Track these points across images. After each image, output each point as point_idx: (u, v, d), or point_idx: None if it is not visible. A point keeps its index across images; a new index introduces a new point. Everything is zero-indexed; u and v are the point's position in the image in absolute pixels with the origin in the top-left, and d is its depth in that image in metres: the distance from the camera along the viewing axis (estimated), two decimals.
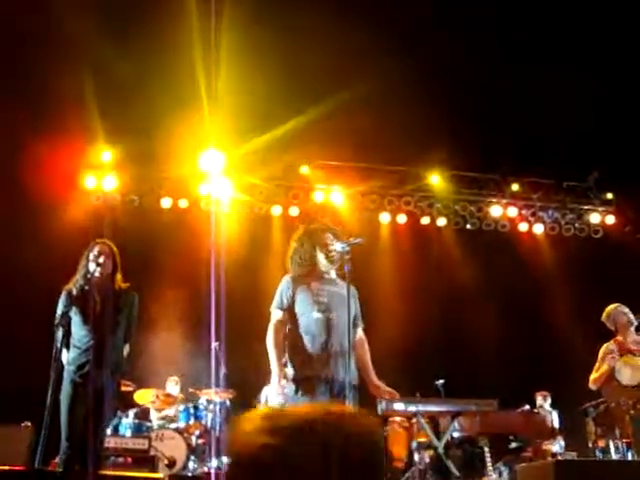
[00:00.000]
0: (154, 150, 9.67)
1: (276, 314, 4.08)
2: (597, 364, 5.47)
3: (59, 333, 4.25)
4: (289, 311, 4.04)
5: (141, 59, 8.37)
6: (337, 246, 3.93)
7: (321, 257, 4.07)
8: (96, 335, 4.32)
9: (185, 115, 8.95)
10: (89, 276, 4.40)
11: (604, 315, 5.51)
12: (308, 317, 3.97)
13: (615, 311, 5.45)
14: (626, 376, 5.14)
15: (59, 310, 4.38)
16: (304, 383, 3.91)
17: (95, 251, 4.52)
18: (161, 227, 9.78)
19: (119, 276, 4.59)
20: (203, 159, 9.86)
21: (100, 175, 9.71)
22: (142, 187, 9.88)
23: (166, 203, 9.92)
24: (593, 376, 5.44)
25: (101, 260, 4.49)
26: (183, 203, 10.03)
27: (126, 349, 4.57)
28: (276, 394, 3.86)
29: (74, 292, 4.36)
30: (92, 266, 4.45)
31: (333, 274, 4.10)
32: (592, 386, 5.49)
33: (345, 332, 3.78)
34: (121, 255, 9.07)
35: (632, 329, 5.35)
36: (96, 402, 4.27)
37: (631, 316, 5.37)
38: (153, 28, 8.13)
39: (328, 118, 8.75)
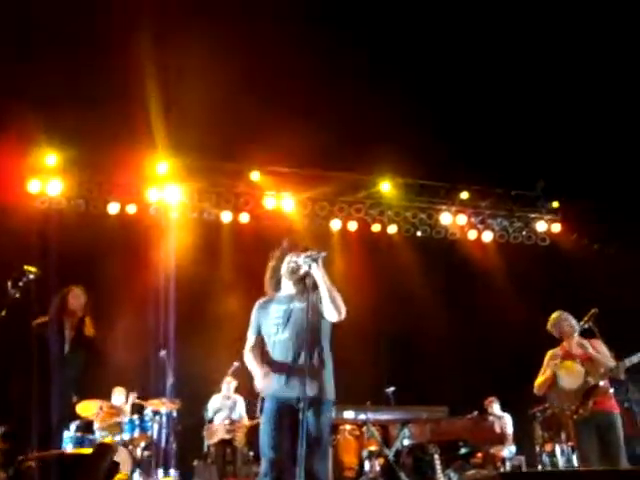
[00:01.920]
0: (101, 154, 9.45)
1: (250, 339, 4.14)
2: (542, 369, 5.54)
3: None
4: (259, 335, 4.12)
5: (88, 62, 8.18)
6: (300, 258, 3.90)
7: (283, 268, 4.06)
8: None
9: (133, 119, 8.79)
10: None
11: (548, 324, 5.60)
12: (272, 339, 4.01)
13: (558, 319, 5.53)
14: (566, 381, 5.23)
15: None
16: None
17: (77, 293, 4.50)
18: (108, 233, 9.54)
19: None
20: (152, 164, 9.70)
21: (44, 179, 9.43)
22: (88, 192, 9.62)
23: (114, 208, 9.69)
24: (537, 382, 5.52)
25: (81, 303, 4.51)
26: (131, 209, 9.81)
27: None
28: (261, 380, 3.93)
29: None
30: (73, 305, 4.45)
31: (292, 289, 4.05)
32: (537, 392, 5.55)
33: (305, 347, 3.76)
34: (67, 261, 8.92)
35: (576, 335, 5.42)
36: None
37: (573, 322, 5.44)
38: (102, 29, 7.98)
39: (279, 124, 8.70)
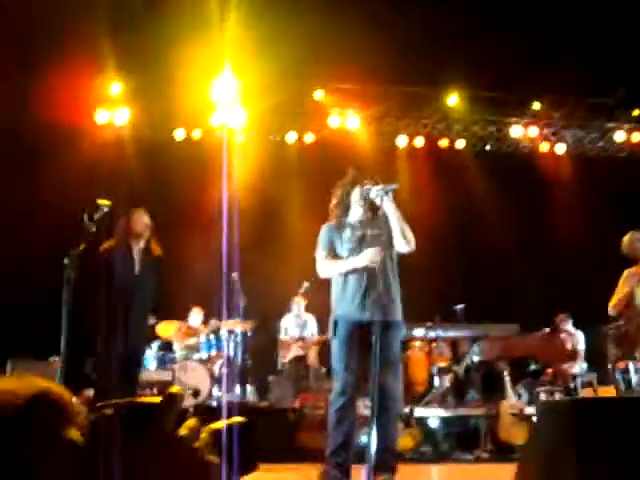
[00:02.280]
0: (164, 81, 9.47)
1: (321, 254, 4.17)
2: (618, 288, 5.41)
3: None
4: (333, 253, 4.14)
5: None
6: (372, 190, 3.93)
7: (355, 195, 4.09)
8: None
9: (196, 43, 8.71)
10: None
11: (622, 245, 5.40)
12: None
13: (632, 240, 5.33)
14: None
15: None
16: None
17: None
18: (175, 159, 9.70)
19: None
20: (216, 88, 9.67)
21: (112, 108, 9.56)
22: (154, 119, 9.72)
23: (179, 134, 9.79)
24: (613, 300, 5.39)
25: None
26: (197, 134, 9.89)
27: None
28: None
29: None
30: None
31: (363, 216, 4.10)
32: (611, 311, 5.45)
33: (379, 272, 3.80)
34: (135, 189, 9.15)
35: None
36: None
37: None
38: None
39: (341, 40, 8.45)
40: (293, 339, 8.41)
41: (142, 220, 5.10)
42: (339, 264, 4.02)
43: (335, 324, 4.03)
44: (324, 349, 7.92)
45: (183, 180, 9.46)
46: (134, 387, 4.60)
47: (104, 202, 4.22)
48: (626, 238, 5.40)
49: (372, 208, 4.01)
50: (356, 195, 4.07)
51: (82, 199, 8.01)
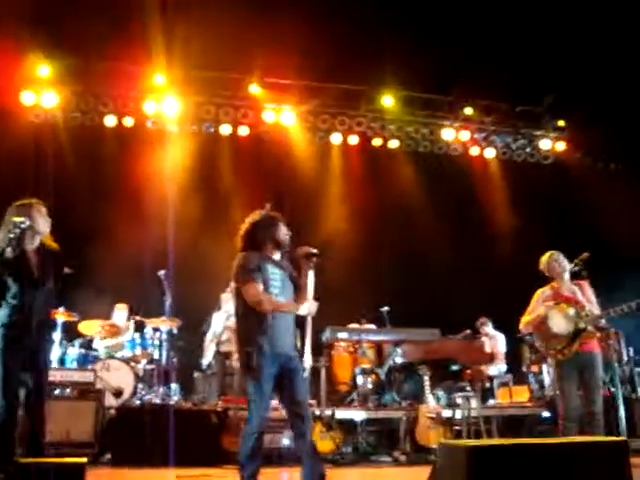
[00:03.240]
0: (96, 66, 9.21)
1: (258, 281, 4.06)
2: (530, 307, 5.55)
3: None
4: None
5: None
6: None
7: (280, 235, 4.18)
8: (32, 295, 4.24)
9: (130, 29, 8.48)
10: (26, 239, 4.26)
11: (540, 264, 5.58)
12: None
13: (549, 259, 5.50)
14: (557, 325, 5.27)
15: None
16: None
17: (42, 211, 4.36)
18: (105, 146, 9.46)
19: (50, 237, 4.46)
20: (150, 75, 9.45)
21: (38, 91, 9.23)
22: (84, 104, 9.43)
23: (110, 121, 9.53)
24: (525, 319, 5.52)
25: (48, 220, 4.37)
26: (129, 121, 9.65)
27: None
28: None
29: (8, 256, 4.17)
30: (42, 228, 4.32)
31: (277, 255, 4.21)
32: (523, 328, 5.58)
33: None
34: (63, 176, 8.88)
35: (566, 276, 5.45)
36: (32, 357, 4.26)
37: (564, 263, 5.44)
38: None
39: (279, 34, 8.39)
40: (216, 336, 8.36)
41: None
42: (280, 304, 4.01)
43: (259, 356, 3.89)
44: None
45: (113, 168, 9.25)
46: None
47: (19, 219, 4.10)
48: (544, 258, 5.57)
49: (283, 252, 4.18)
50: (280, 235, 4.13)
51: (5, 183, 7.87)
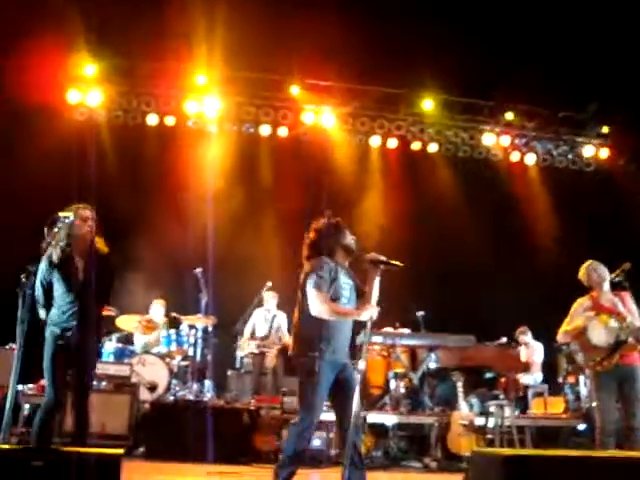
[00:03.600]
0: (140, 65, 9.36)
1: (324, 290, 4.10)
2: (569, 317, 5.42)
3: (39, 292, 4.38)
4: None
5: None
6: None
7: (349, 242, 4.20)
8: (81, 301, 4.37)
9: (172, 30, 8.61)
10: (70, 242, 4.35)
11: (579, 273, 5.47)
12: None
13: (588, 269, 5.39)
14: (597, 336, 5.15)
15: (40, 277, 4.35)
16: None
17: (84, 215, 4.44)
18: (147, 145, 9.60)
19: (101, 241, 4.54)
20: (191, 75, 9.56)
21: (84, 89, 9.41)
22: (128, 103, 9.59)
23: (152, 120, 9.67)
24: (564, 329, 5.40)
25: (90, 225, 4.44)
26: (170, 120, 9.78)
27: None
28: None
29: (55, 258, 4.30)
30: (82, 230, 4.39)
31: (346, 264, 4.29)
32: (561, 338, 5.48)
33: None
34: (105, 173, 9.04)
35: (605, 286, 5.34)
36: (79, 363, 4.41)
37: (603, 273, 5.32)
38: None
39: (320, 36, 8.41)
40: (256, 335, 8.40)
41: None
42: (342, 310, 4.04)
43: (321, 362, 3.97)
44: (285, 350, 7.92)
45: (153, 166, 9.38)
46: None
47: (65, 213, 4.18)
48: (583, 267, 5.46)
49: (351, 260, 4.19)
50: (350, 242, 4.15)
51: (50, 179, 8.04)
